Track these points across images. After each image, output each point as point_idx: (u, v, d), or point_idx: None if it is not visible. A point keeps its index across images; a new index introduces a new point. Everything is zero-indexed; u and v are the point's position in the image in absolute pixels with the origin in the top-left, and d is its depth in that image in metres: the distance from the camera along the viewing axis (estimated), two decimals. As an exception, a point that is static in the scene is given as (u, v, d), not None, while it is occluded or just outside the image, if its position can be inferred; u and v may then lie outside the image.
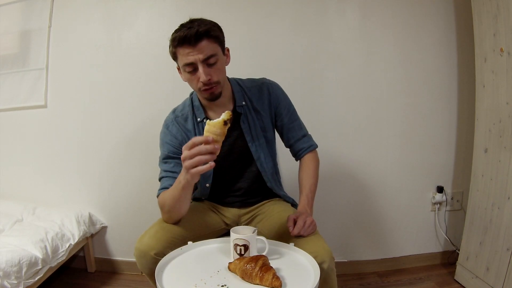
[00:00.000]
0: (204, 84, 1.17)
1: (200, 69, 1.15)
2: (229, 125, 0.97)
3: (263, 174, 1.36)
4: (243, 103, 1.32)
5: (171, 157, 1.28)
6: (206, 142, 0.94)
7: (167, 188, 1.21)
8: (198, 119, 1.31)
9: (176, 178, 1.16)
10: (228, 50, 1.27)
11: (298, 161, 1.42)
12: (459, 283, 1.86)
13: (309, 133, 1.44)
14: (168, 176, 1.26)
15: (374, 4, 1.87)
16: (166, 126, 1.33)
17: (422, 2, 1.89)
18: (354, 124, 1.95)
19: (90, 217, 1.97)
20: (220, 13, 1.82)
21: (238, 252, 1.04)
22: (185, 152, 0.97)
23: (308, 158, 1.38)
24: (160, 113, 1.79)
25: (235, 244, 1.04)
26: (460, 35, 1.92)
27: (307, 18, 1.87)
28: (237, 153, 1.34)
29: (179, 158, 1.16)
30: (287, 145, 1.42)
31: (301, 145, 1.38)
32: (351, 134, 1.95)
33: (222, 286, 0.94)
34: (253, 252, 1.04)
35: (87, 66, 1.93)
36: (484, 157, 1.71)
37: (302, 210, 1.24)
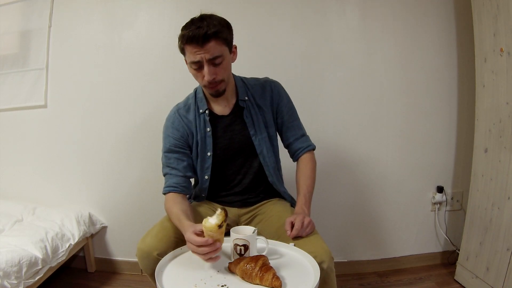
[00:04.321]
0: (209, 82, 1.21)
1: (206, 68, 1.18)
2: (224, 226, 1.00)
3: (265, 169, 1.37)
4: (246, 98, 1.35)
5: (173, 151, 1.32)
6: (206, 243, 0.98)
7: (172, 187, 1.28)
8: (200, 111, 1.34)
9: (178, 176, 1.29)
10: (235, 47, 1.30)
11: (295, 162, 1.42)
12: (459, 283, 1.86)
13: (309, 133, 1.44)
14: (171, 173, 1.31)
15: (374, 4, 1.87)
16: (168, 119, 1.37)
17: (422, 2, 1.88)
18: (354, 124, 1.95)
19: (90, 217, 1.97)
20: (220, 13, 1.82)
21: (238, 252, 1.04)
22: (191, 246, 1.01)
23: (305, 158, 1.38)
24: (160, 113, 1.79)
25: (235, 244, 1.04)
26: (460, 35, 1.92)
27: (307, 18, 1.87)
28: (238, 148, 1.35)
29: (180, 152, 1.31)
30: (286, 144, 1.42)
31: (300, 145, 1.39)
32: (351, 134, 1.95)
33: (222, 286, 0.94)
34: (253, 252, 1.04)
35: (87, 66, 1.93)
36: (484, 157, 1.71)
37: (299, 210, 1.24)
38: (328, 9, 1.87)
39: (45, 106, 1.96)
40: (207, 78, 1.19)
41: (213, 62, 1.18)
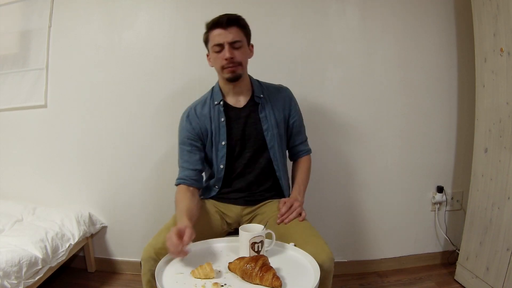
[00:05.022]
0: (228, 62, 1.30)
1: (226, 48, 1.29)
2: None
3: (274, 163, 1.42)
4: (261, 95, 1.42)
5: (186, 143, 1.40)
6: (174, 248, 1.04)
7: (182, 179, 1.36)
8: (215, 102, 1.40)
9: (189, 169, 1.37)
10: (252, 46, 1.40)
11: (292, 161, 1.53)
12: (459, 283, 1.86)
13: (308, 134, 1.53)
14: (183, 166, 1.39)
15: (374, 4, 1.87)
16: (184, 113, 1.45)
17: (422, 2, 1.89)
18: (354, 124, 1.95)
19: (90, 217, 1.97)
20: (220, 13, 1.82)
21: (256, 249, 1.04)
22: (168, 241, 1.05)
23: (304, 158, 1.51)
24: (160, 112, 1.79)
25: (252, 242, 1.04)
26: (460, 35, 1.92)
27: (307, 18, 1.87)
28: (251, 140, 1.41)
29: (193, 145, 1.40)
30: (291, 145, 1.50)
31: (302, 148, 1.51)
32: (351, 134, 1.95)
33: (222, 286, 0.94)
34: (265, 248, 1.06)
35: (87, 66, 1.93)
36: (484, 157, 1.71)
37: (294, 197, 1.33)
38: (328, 9, 1.87)
39: (45, 106, 1.96)
40: (226, 56, 1.29)
41: (233, 45, 1.30)
